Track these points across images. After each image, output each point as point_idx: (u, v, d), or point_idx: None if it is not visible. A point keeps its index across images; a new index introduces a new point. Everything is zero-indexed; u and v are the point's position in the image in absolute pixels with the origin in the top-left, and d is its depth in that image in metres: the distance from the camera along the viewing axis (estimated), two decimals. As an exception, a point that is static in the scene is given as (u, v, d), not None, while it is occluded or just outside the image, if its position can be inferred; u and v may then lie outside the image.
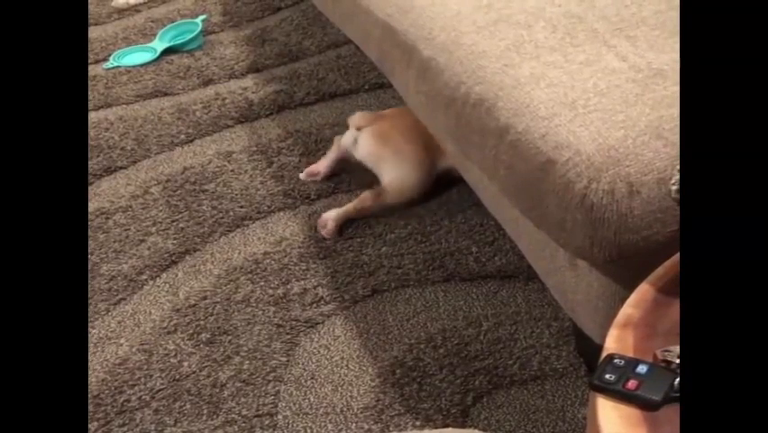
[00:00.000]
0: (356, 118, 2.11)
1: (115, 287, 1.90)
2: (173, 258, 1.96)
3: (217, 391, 1.62)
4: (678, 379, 0.91)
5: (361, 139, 2.07)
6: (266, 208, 2.06)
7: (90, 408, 1.62)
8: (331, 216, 1.95)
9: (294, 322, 1.75)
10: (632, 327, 0.99)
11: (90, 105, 2.55)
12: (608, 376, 0.93)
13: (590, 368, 1.51)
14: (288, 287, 1.83)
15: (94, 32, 2.96)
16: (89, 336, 1.79)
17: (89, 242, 2.03)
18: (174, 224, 2.04)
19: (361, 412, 1.54)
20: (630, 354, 0.96)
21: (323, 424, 1.53)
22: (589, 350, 1.46)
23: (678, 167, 1.00)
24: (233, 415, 1.57)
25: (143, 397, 1.63)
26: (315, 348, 1.69)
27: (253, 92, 2.50)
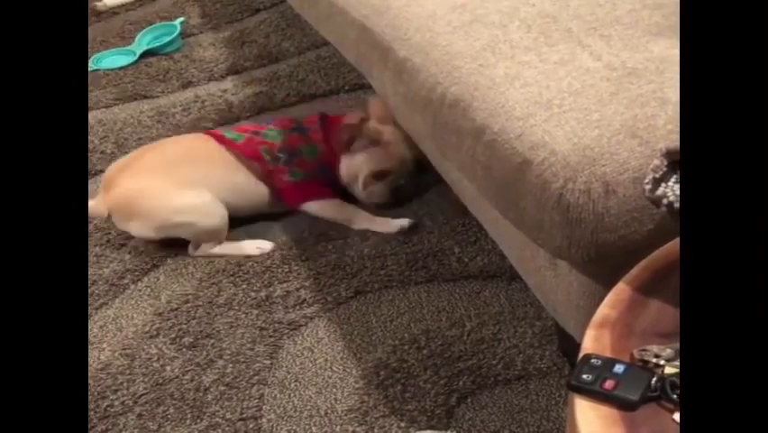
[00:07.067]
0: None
1: (97, 291, 1.89)
2: (154, 262, 1.95)
3: (201, 394, 1.61)
4: (655, 378, 0.91)
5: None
6: (247, 211, 2.06)
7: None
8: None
9: (277, 325, 1.74)
10: (609, 326, 0.99)
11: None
12: (585, 376, 0.93)
13: (574, 367, 1.51)
14: (271, 289, 1.83)
15: (73, 36, 2.95)
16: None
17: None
18: (155, 228, 2.03)
19: (346, 414, 1.54)
20: (607, 353, 0.96)
21: (307, 427, 1.53)
22: (572, 349, 1.46)
23: (652, 166, 1.00)
24: (216, 419, 1.56)
25: (126, 402, 1.62)
26: (298, 351, 1.69)
27: (233, 94, 2.50)
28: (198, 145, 2.02)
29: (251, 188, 1.98)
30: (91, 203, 1.97)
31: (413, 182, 1.99)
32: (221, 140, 2.00)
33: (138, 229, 1.94)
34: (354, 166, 1.96)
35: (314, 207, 1.97)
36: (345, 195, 2.02)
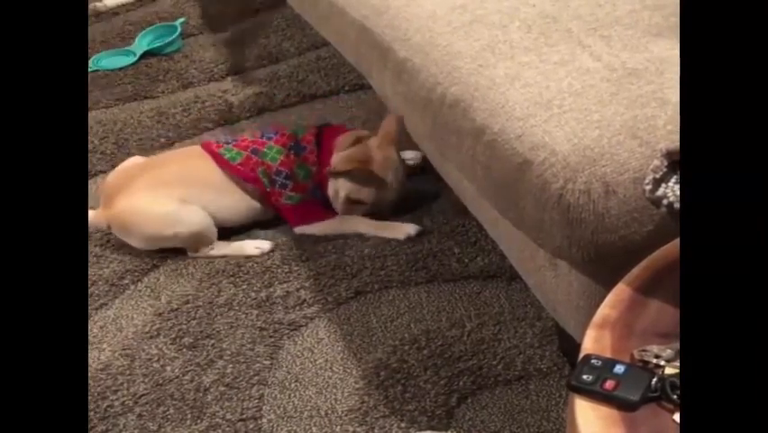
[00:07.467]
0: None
1: (97, 292, 1.89)
2: (154, 262, 1.95)
3: (201, 395, 1.61)
4: (655, 379, 0.91)
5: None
6: (247, 211, 2.05)
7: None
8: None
9: (277, 325, 1.74)
10: (609, 327, 0.99)
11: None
12: (585, 377, 0.93)
13: (574, 367, 1.51)
14: (271, 290, 1.83)
15: (73, 36, 2.95)
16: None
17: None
18: (155, 228, 2.03)
19: (346, 415, 1.54)
20: (607, 354, 0.96)
21: (307, 427, 1.53)
22: (572, 349, 1.46)
23: (652, 166, 1.00)
24: (217, 419, 1.56)
25: (126, 402, 1.62)
26: (298, 351, 1.69)
27: (233, 94, 2.50)
28: (194, 165, 1.99)
29: (246, 206, 1.99)
30: (91, 213, 1.99)
31: (392, 204, 1.97)
32: (218, 159, 1.97)
33: (134, 243, 1.98)
34: (334, 190, 1.96)
35: (315, 228, 1.96)
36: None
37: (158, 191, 1.94)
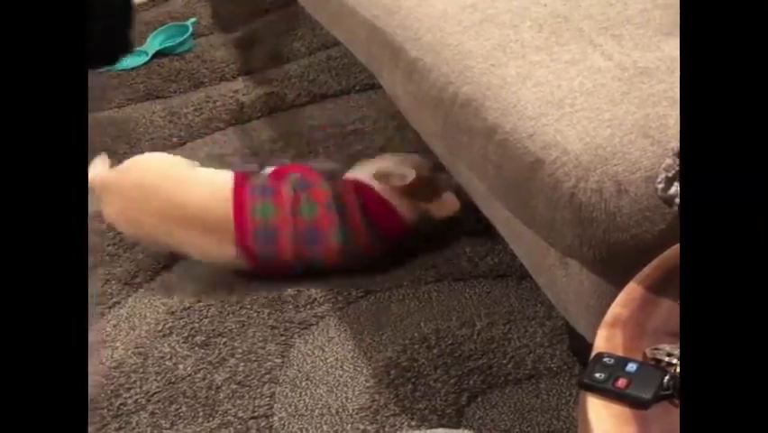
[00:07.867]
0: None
1: (110, 290, 1.90)
2: (167, 261, 1.96)
3: (213, 393, 1.62)
4: (667, 377, 0.91)
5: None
6: (259, 210, 2.06)
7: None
8: None
9: (288, 324, 1.75)
10: (621, 326, 0.99)
11: (82, 110, 2.55)
12: (597, 375, 0.93)
13: (584, 366, 1.51)
14: (282, 289, 1.83)
15: (84, 36, 2.96)
16: (84, 341, 1.79)
17: (83, 247, 2.02)
18: (167, 227, 2.04)
19: (357, 413, 1.54)
20: (619, 352, 0.96)
21: (318, 425, 1.54)
22: (582, 349, 1.46)
23: (664, 165, 1.01)
24: (228, 417, 1.57)
25: (139, 400, 1.63)
26: (309, 349, 1.69)
27: (244, 94, 2.50)
28: (214, 243, 1.82)
29: None
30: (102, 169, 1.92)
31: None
32: (247, 251, 1.81)
33: None
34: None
35: None
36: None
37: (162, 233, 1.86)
